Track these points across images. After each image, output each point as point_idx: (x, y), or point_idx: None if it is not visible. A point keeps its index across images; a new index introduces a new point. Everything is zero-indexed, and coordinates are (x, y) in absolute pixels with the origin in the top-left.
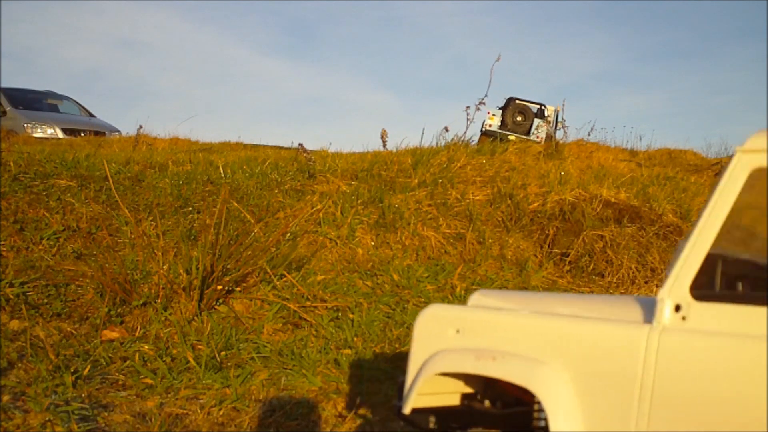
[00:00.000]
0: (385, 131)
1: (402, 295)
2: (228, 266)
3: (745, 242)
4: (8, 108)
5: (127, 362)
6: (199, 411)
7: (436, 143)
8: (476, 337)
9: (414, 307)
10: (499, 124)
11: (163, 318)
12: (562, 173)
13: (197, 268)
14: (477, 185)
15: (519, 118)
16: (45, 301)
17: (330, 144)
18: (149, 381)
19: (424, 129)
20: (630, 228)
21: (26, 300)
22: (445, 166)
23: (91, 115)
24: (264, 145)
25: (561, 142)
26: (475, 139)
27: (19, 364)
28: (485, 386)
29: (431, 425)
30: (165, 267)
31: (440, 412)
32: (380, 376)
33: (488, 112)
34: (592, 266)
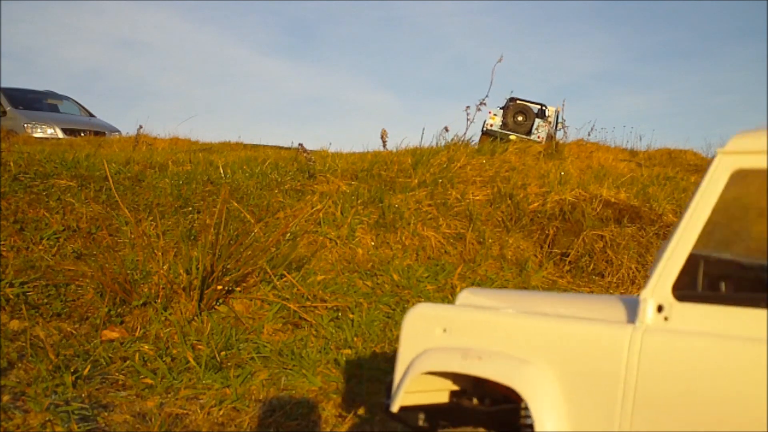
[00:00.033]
0: (385, 131)
1: (402, 295)
2: (228, 266)
3: (727, 243)
4: (8, 108)
5: (127, 362)
6: (199, 411)
7: (436, 143)
8: (463, 336)
9: None
10: (500, 123)
11: (163, 318)
12: (562, 173)
13: (197, 268)
14: (477, 185)
15: (520, 118)
16: (45, 301)
17: (330, 144)
18: (149, 381)
19: (424, 129)
20: (630, 228)
21: (26, 300)
22: (445, 166)
23: (91, 115)
24: (264, 145)
25: (561, 142)
26: (475, 139)
27: (19, 364)
28: (474, 383)
29: (421, 423)
30: (165, 267)
31: (429, 410)
32: (380, 376)
33: (489, 112)
34: (592, 266)
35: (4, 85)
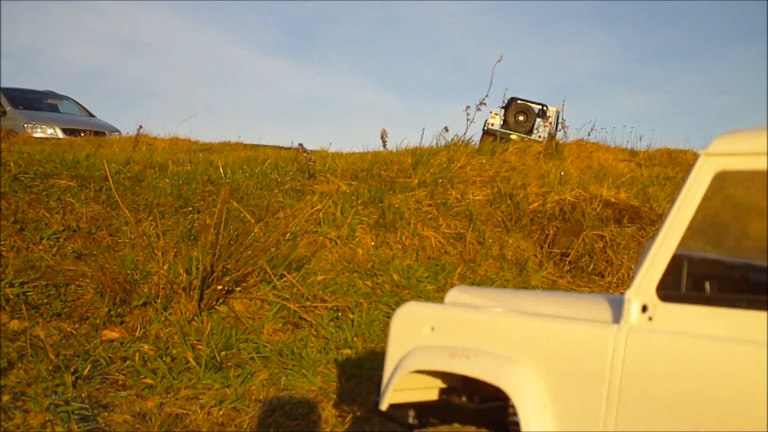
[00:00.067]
0: (385, 131)
1: (402, 295)
2: (228, 266)
3: (711, 244)
4: (8, 108)
5: (127, 362)
6: (199, 411)
7: (436, 143)
8: (451, 334)
9: None
10: (502, 123)
11: (163, 318)
12: (562, 173)
13: (197, 268)
14: (477, 185)
15: (521, 118)
16: (45, 301)
17: (330, 144)
18: (149, 381)
19: (424, 129)
20: (630, 228)
21: (26, 300)
22: (445, 166)
23: (91, 115)
24: (264, 145)
25: (561, 142)
26: (475, 139)
27: (19, 364)
28: (464, 381)
29: (411, 420)
30: (165, 267)
31: (419, 407)
32: (380, 376)
33: (491, 112)
34: (592, 266)
35: (4, 85)
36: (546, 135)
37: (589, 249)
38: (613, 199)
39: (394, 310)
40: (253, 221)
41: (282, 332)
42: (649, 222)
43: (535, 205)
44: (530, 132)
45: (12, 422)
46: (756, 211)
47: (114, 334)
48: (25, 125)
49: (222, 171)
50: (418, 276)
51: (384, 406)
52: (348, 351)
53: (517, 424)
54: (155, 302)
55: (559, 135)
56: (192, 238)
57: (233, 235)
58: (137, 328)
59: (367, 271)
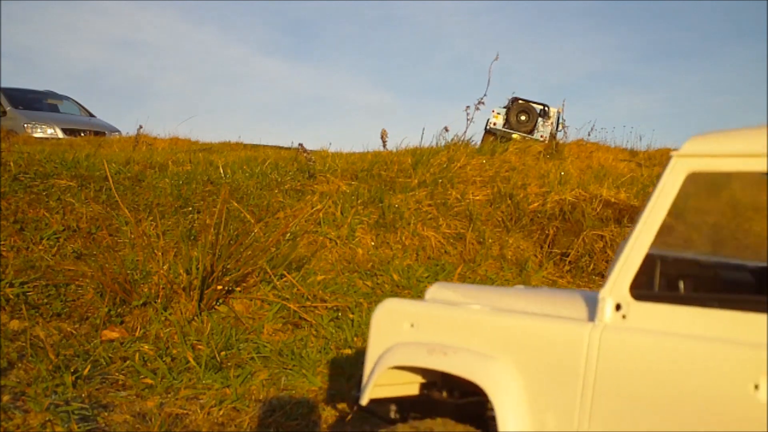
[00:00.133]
0: (385, 131)
1: (402, 295)
2: (228, 266)
3: (684, 243)
4: (8, 108)
5: (127, 362)
6: (199, 411)
7: (436, 143)
8: (429, 331)
9: None
10: (503, 122)
11: (163, 318)
12: (562, 173)
13: (197, 268)
14: (477, 185)
15: (523, 118)
16: (45, 301)
17: (330, 144)
18: (149, 381)
19: (424, 129)
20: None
21: (26, 300)
22: (445, 166)
23: (91, 115)
24: (264, 145)
25: (561, 142)
26: (475, 139)
27: (19, 364)
28: (443, 376)
29: (392, 415)
30: (165, 267)
31: (400, 402)
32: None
33: (493, 111)
34: (592, 266)
35: (4, 85)
36: (548, 135)
37: (589, 249)
38: (613, 199)
39: None
40: (253, 221)
41: (282, 332)
42: None
43: (535, 205)
44: (532, 132)
45: (12, 422)
46: (727, 212)
47: (114, 334)
48: (25, 125)
49: (222, 171)
50: (418, 276)
51: (364, 401)
52: (348, 351)
53: (494, 419)
54: (155, 302)
55: (560, 135)
56: (192, 238)
57: (233, 235)
58: (137, 328)
59: (367, 271)
